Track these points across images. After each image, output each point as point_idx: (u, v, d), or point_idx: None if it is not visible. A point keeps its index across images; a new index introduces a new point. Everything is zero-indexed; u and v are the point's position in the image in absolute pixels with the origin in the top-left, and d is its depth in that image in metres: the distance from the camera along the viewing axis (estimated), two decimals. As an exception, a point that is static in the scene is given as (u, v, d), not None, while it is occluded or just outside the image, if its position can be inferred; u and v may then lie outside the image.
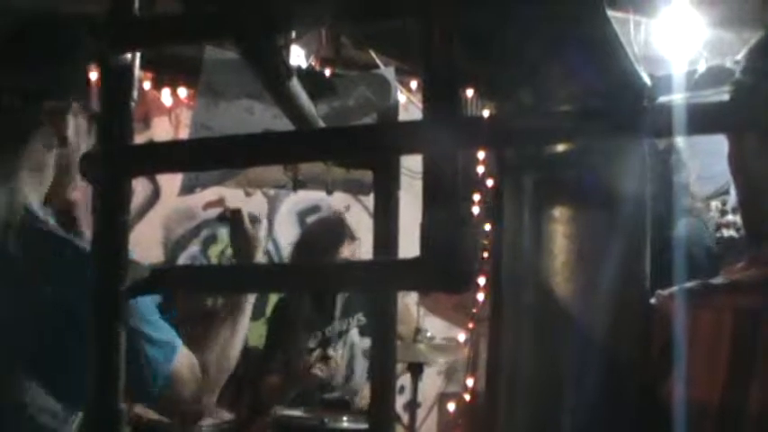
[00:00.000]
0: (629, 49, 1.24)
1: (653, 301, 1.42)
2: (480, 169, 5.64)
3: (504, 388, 1.39)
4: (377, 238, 1.45)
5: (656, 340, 1.39)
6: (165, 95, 5.78)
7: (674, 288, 1.44)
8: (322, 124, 1.35)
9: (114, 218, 0.97)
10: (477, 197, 5.58)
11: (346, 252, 4.88)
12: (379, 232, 1.45)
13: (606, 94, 1.25)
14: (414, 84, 5.65)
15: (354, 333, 4.84)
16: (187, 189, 2.23)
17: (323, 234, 5.09)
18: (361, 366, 4.88)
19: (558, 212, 1.27)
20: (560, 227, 1.26)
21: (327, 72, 4.66)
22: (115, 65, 0.98)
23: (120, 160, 0.97)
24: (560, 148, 1.27)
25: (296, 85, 1.22)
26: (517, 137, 0.98)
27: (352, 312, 4.84)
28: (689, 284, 1.44)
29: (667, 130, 0.80)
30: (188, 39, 1.12)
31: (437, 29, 0.90)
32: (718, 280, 1.44)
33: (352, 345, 4.83)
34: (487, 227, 5.29)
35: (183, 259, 6.03)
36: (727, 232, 3.47)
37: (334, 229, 5.09)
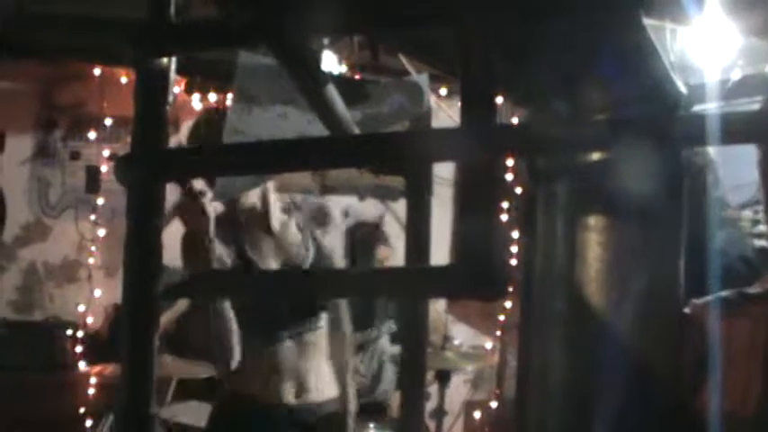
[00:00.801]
0: (664, 58, 1.23)
1: (687, 310, 1.40)
2: (509, 176, 5.62)
3: (534, 397, 1.38)
4: (409, 245, 1.45)
5: (690, 350, 1.37)
6: (195, 100, 5.81)
7: (709, 297, 1.42)
8: (357, 130, 1.35)
9: (148, 221, 0.97)
10: (505, 204, 5.56)
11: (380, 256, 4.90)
12: (411, 239, 1.45)
13: (642, 102, 1.24)
14: (443, 90, 5.65)
15: (385, 341, 4.83)
16: (222, 194, 2.23)
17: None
18: (390, 373, 4.87)
19: (593, 221, 1.26)
20: (594, 235, 1.26)
21: (359, 78, 4.67)
22: (151, 70, 0.98)
23: (155, 164, 0.98)
24: (595, 156, 1.26)
25: (332, 90, 1.22)
26: (553, 145, 0.97)
27: (383, 320, 4.83)
28: (724, 293, 1.42)
29: (701, 139, 0.80)
30: (225, 44, 1.12)
31: (474, 37, 0.89)
32: (754, 289, 1.42)
33: (381, 353, 4.81)
34: (515, 234, 5.28)
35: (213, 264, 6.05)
36: (758, 242, 3.42)
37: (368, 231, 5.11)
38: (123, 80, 5.62)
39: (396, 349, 4.87)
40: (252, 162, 0.99)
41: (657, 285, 1.27)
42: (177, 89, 5.78)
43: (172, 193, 6.10)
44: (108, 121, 5.76)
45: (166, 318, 5.43)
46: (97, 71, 5.72)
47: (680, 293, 1.31)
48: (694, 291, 1.38)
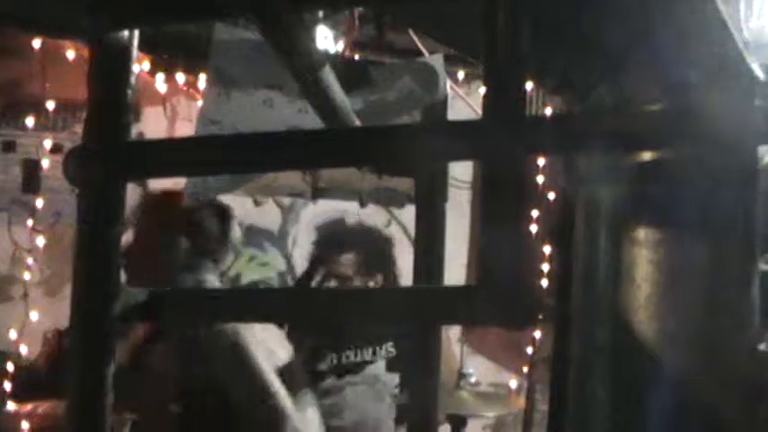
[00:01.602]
0: (736, 35, 1.23)
1: (763, 347, 1.40)
2: (539, 179, 5.62)
3: (571, 449, 1.38)
4: (418, 261, 1.46)
5: (765, 394, 1.37)
6: (160, 81, 5.80)
7: None
8: (357, 122, 1.35)
9: (105, 229, 0.97)
10: (535, 213, 5.56)
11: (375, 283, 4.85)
12: (420, 253, 1.46)
13: (706, 90, 1.24)
14: (461, 74, 5.65)
15: (380, 366, 4.77)
16: (193, 196, 2.23)
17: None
18: (387, 410, 4.82)
19: (644, 234, 1.26)
20: (645, 251, 1.26)
21: (361, 59, 4.65)
22: (110, 45, 0.99)
23: (115, 160, 0.98)
24: (647, 156, 1.26)
25: (328, 73, 1.22)
26: (595, 141, 0.97)
27: (381, 340, 4.77)
28: None
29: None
30: (198, 15, 1.13)
31: (502, 10, 0.90)
32: None
33: (374, 380, 4.76)
34: (547, 249, 5.27)
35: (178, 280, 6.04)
36: None
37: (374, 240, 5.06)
38: (70, 55, 5.61)
39: (393, 378, 4.82)
40: (231, 159, 0.99)
41: (724, 314, 1.27)
42: (138, 68, 5.78)
43: (134, 195, 6.10)
44: (50, 105, 5.74)
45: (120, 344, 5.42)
46: (37, 44, 5.72)
47: (753, 325, 1.31)
48: None
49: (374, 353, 4.83)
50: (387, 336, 4.81)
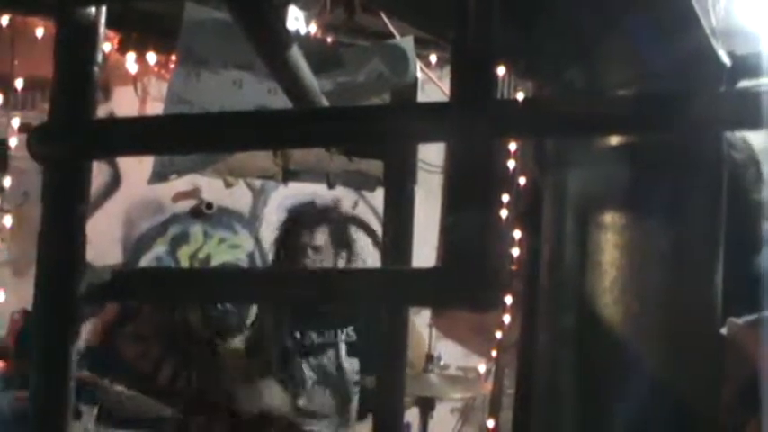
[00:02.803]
0: (704, 21, 1.23)
1: (724, 331, 1.41)
2: (510, 164, 5.63)
3: (536, 432, 1.38)
4: (387, 243, 1.45)
5: (730, 378, 1.38)
6: (130, 61, 5.77)
7: (754, 317, 1.42)
8: (325, 103, 1.35)
9: (69, 207, 0.97)
10: (505, 198, 5.57)
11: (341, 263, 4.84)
12: (389, 235, 1.46)
13: (675, 76, 1.24)
14: (433, 57, 5.65)
15: (341, 349, 4.77)
16: (160, 176, 2.22)
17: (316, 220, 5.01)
18: (346, 394, 4.81)
19: (610, 219, 1.26)
20: (611, 236, 1.26)
21: (331, 40, 4.64)
22: (77, 21, 0.98)
23: (80, 138, 0.97)
24: (615, 140, 1.26)
25: (296, 54, 1.22)
26: (563, 125, 0.97)
27: (343, 323, 4.77)
28: None
29: (752, 121, 0.80)
30: (167, -8, 1.12)
31: (473, -9, 0.89)
32: None
33: (338, 365, 4.76)
34: (517, 234, 5.28)
35: (146, 261, 6.00)
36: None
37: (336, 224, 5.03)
38: (39, 33, 5.57)
39: (352, 363, 4.82)
40: (198, 138, 0.99)
41: (689, 299, 1.28)
42: (108, 47, 5.73)
43: (99, 172, 6.06)
44: (19, 83, 5.70)
45: (89, 328, 5.40)
46: (5, 21, 5.67)
47: (717, 310, 1.31)
48: (732, 311, 1.38)
49: (335, 335, 4.83)
50: (348, 320, 4.81)
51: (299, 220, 5.02)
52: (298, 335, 4.74)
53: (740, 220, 1.60)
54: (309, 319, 4.75)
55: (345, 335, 4.80)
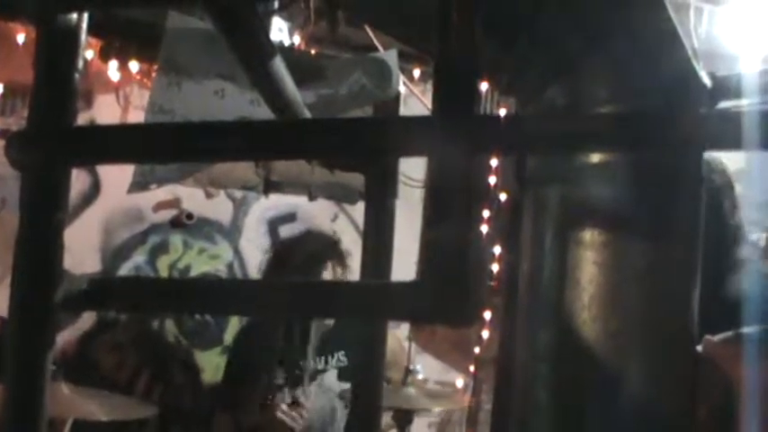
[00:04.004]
0: (686, 42, 1.24)
1: (699, 348, 1.41)
2: (491, 180, 5.63)
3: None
4: (366, 256, 1.45)
5: (704, 396, 1.38)
6: (113, 69, 5.76)
7: (729, 334, 1.43)
8: (308, 114, 1.34)
9: (47, 214, 0.96)
10: (485, 214, 5.57)
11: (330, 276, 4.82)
12: (369, 248, 1.45)
13: (656, 95, 1.25)
14: (417, 72, 5.65)
15: (332, 375, 4.78)
16: (140, 185, 2.21)
17: (305, 251, 4.99)
18: (340, 415, 4.83)
19: (589, 236, 1.27)
20: (590, 253, 1.26)
21: (315, 52, 4.64)
22: (58, 27, 0.97)
23: (60, 144, 0.97)
24: (595, 158, 1.26)
25: (279, 65, 1.22)
26: (544, 142, 0.97)
27: (331, 350, 4.78)
28: (748, 329, 1.43)
29: (731, 141, 0.80)
30: (151, 1, 1.12)
31: (456, 8, 0.89)
32: None
33: (328, 389, 4.77)
34: (497, 250, 5.29)
35: (124, 271, 5.98)
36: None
37: (321, 247, 5.01)
38: (20, 39, 5.55)
39: (343, 387, 4.81)
40: (180, 147, 0.98)
41: (666, 317, 1.28)
42: (91, 54, 5.72)
43: (78, 180, 6.03)
44: (-2, 89, 5.69)
45: (65, 337, 5.37)
46: (-15, 26, 5.65)
47: (693, 328, 1.32)
48: (708, 331, 1.38)
49: (326, 362, 4.82)
50: (338, 345, 4.80)
51: (288, 261, 4.96)
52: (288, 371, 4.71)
53: (716, 242, 1.61)
54: (294, 348, 4.73)
55: (336, 360, 4.80)
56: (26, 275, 0.95)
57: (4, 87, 5.64)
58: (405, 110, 5.26)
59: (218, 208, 6.11)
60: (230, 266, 6.06)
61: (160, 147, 1.00)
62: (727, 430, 1.36)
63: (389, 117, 1.43)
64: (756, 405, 1.34)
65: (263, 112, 1.33)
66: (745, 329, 1.42)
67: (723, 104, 1.30)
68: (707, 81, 1.27)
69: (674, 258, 1.27)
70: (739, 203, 2.02)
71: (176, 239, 6.01)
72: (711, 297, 1.34)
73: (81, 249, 5.67)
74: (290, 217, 6.30)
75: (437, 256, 0.86)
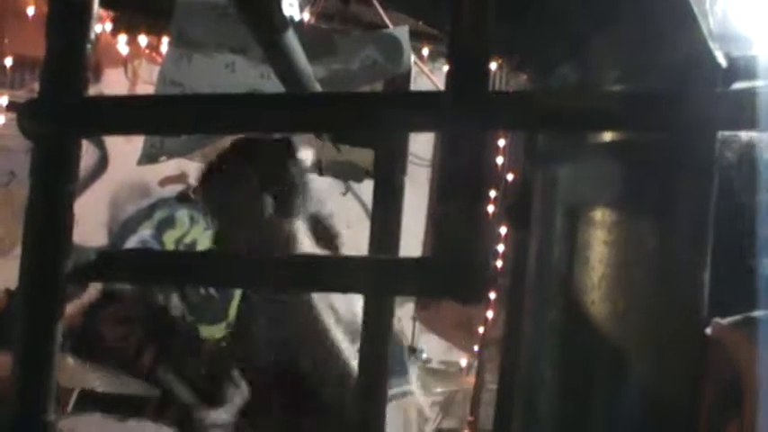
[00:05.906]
0: (702, 22, 1.23)
1: (709, 331, 1.41)
2: (499, 159, 5.62)
3: (518, 429, 1.38)
4: (374, 234, 1.45)
5: (712, 379, 1.37)
6: (122, 43, 5.75)
7: (738, 317, 1.42)
8: (319, 88, 1.34)
9: (57, 186, 0.96)
10: (493, 193, 5.56)
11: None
12: (377, 227, 1.45)
13: (669, 74, 1.24)
14: (426, 50, 5.64)
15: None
16: (149, 157, 2.21)
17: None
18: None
19: (599, 215, 1.26)
20: (600, 233, 1.26)
21: (326, 27, 4.63)
22: (70, -2, 0.97)
23: (70, 114, 0.97)
24: (607, 136, 1.26)
25: (292, 39, 1.21)
26: (554, 120, 0.97)
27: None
28: (759, 313, 1.42)
29: (746, 122, 0.80)
30: (162, -28, 1.11)
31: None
32: None
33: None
34: (503, 230, 5.28)
35: (131, 244, 5.98)
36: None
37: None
38: (30, 11, 5.55)
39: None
40: (189, 118, 0.98)
41: (675, 298, 1.28)
42: (100, 28, 5.71)
43: (86, 154, 6.03)
44: (8, 62, 5.68)
45: (69, 310, 5.39)
46: (-5, -2, 5.64)
47: (703, 310, 1.31)
48: (718, 313, 1.38)
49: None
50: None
51: None
52: None
53: (727, 222, 1.60)
54: None
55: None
56: (35, 248, 0.95)
57: (14, 60, 5.63)
58: (414, 88, 5.25)
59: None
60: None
61: (170, 118, 1.00)
62: (734, 414, 1.35)
63: (402, 92, 1.43)
64: (764, 390, 1.34)
65: (274, 86, 1.33)
66: (756, 313, 1.41)
67: (738, 85, 1.29)
68: (722, 61, 1.26)
69: (683, 238, 1.27)
70: (759, 179, 1.99)
71: (183, 214, 6.02)
72: (723, 277, 1.33)
73: (88, 223, 5.68)
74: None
75: (448, 232, 0.86)
